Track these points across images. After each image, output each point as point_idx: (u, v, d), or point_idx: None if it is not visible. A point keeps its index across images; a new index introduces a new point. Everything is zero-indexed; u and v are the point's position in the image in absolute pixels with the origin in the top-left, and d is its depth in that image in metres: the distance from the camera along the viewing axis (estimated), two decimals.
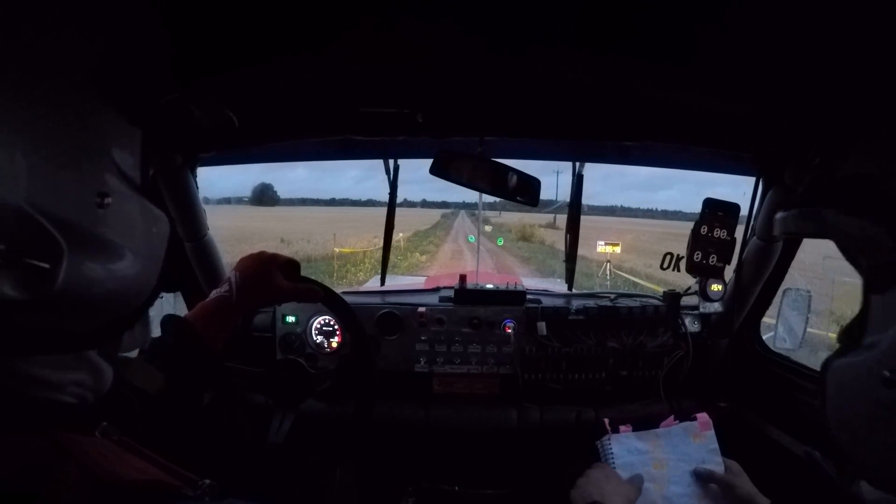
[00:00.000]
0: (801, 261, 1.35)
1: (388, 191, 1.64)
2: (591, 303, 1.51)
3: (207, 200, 2.43)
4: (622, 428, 0.98)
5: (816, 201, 0.54)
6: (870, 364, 0.45)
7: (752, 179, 1.26)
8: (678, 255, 1.34)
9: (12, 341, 0.37)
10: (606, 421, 0.98)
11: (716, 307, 1.47)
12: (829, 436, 0.51)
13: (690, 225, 1.30)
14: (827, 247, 0.58)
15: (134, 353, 0.70)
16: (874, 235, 0.46)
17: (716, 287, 1.37)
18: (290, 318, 1.47)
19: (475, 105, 1.08)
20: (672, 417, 1.00)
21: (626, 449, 0.95)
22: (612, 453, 0.94)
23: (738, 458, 0.93)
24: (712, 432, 0.96)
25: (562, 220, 2.05)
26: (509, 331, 1.46)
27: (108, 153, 0.40)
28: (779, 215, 0.58)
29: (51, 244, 0.35)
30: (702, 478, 0.91)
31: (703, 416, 0.99)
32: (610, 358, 1.43)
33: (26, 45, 0.35)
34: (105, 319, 0.43)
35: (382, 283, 1.85)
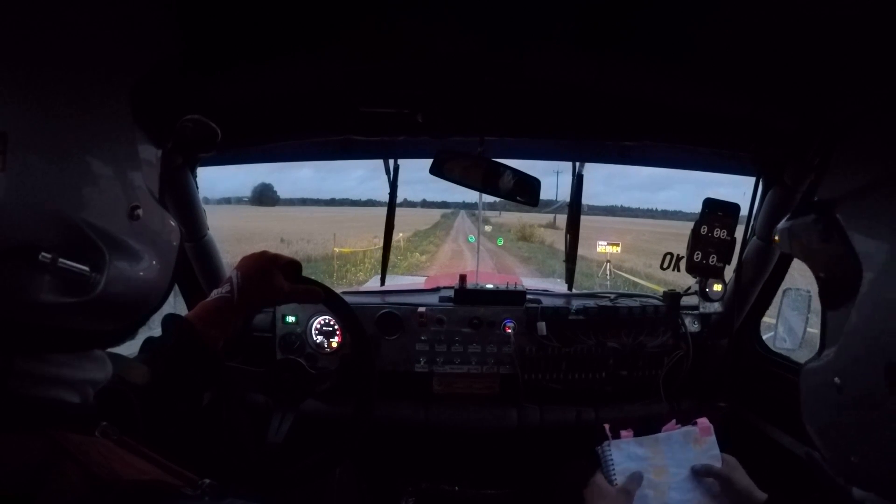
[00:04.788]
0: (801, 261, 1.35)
1: (389, 191, 1.64)
2: (591, 303, 1.51)
3: (207, 200, 2.43)
4: (623, 433, 0.96)
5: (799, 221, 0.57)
6: (825, 371, 0.51)
7: (752, 179, 1.26)
8: (678, 255, 1.34)
9: (45, 340, 0.40)
10: (607, 427, 0.97)
11: (716, 307, 1.47)
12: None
13: (690, 225, 1.30)
14: None
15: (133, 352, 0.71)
16: (832, 258, 0.52)
17: (716, 287, 1.37)
18: (290, 318, 1.47)
19: (475, 105, 1.08)
20: (674, 421, 0.98)
21: (626, 455, 0.93)
22: (611, 460, 0.93)
23: (738, 458, 0.93)
24: (713, 437, 0.94)
25: (562, 220, 2.05)
26: (509, 331, 1.45)
27: (138, 166, 0.44)
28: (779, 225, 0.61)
29: (95, 252, 0.39)
30: (699, 473, 0.90)
31: (703, 422, 0.96)
32: (610, 358, 1.43)
33: (69, 64, 0.38)
34: (129, 319, 0.46)
35: (382, 283, 1.85)
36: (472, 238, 22.63)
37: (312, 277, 0.92)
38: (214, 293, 0.80)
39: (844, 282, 0.49)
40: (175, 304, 1.40)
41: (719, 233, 1.26)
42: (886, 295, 0.46)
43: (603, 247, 11.69)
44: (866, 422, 0.48)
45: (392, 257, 2.14)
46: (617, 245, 12.38)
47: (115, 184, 0.42)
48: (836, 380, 0.49)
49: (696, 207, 1.31)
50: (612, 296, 1.58)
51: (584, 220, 1.66)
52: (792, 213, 0.59)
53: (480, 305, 1.47)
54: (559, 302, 1.54)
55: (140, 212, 0.43)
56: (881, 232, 0.48)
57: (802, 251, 0.59)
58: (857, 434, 0.49)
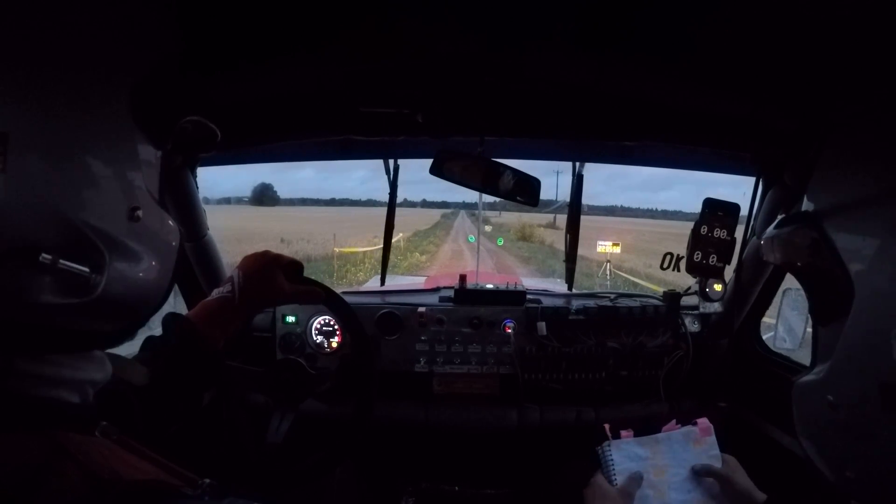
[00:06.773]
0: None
1: (389, 191, 1.64)
2: (591, 303, 1.51)
3: (207, 200, 2.44)
4: (623, 433, 0.96)
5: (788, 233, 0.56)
6: (819, 389, 0.52)
7: (752, 179, 1.25)
8: (678, 255, 1.34)
9: (45, 341, 0.40)
10: (607, 427, 0.96)
11: (716, 307, 1.47)
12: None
13: (690, 225, 1.29)
14: None
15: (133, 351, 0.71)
16: (821, 273, 0.51)
17: (716, 287, 1.37)
18: (290, 318, 1.47)
19: (475, 105, 1.08)
20: (674, 421, 0.98)
21: (625, 455, 0.93)
22: (611, 460, 0.93)
23: (738, 458, 0.93)
24: (713, 438, 0.94)
25: (562, 220, 2.05)
26: (509, 331, 1.46)
27: (138, 166, 0.44)
28: (763, 239, 0.60)
29: (95, 253, 0.40)
30: (700, 473, 0.91)
31: (703, 422, 0.96)
32: (610, 358, 1.43)
33: (71, 66, 0.38)
34: (129, 320, 0.46)
35: (382, 283, 1.85)
36: (472, 238, 22.61)
37: (312, 277, 0.92)
38: (215, 293, 0.79)
39: (835, 299, 0.49)
40: (175, 304, 1.40)
41: (719, 233, 1.26)
42: (878, 314, 0.45)
43: (603, 247, 11.69)
44: (861, 439, 0.48)
45: (392, 257, 2.14)
46: (617, 245, 12.39)
47: (115, 184, 0.42)
48: (830, 398, 0.50)
49: (696, 207, 1.31)
50: (612, 296, 1.58)
51: (584, 220, 1.66)
52: (778, 222, 0.59)
53: (480, 305, 1.47)
54: (559, 302, 1.54)
55: (140, 213, 0.43)
56: (872, 246, 0.47)
57: (788, 262, 0.58)
58: (852, 451, 0.49)
